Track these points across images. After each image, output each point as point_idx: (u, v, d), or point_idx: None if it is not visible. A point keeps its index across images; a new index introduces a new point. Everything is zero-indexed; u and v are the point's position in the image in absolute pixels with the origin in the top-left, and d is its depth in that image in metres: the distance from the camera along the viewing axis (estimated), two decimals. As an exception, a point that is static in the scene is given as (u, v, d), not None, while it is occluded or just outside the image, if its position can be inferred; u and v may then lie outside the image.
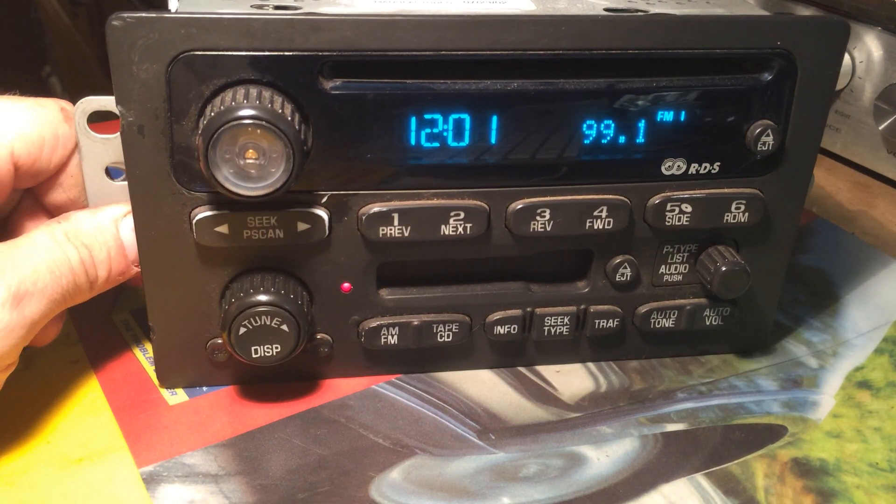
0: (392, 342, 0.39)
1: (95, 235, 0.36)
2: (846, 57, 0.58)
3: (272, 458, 0.36)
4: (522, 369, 0.42)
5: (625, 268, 0.39)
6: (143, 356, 0.41)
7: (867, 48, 0.57)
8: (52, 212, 0.39)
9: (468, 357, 0.41)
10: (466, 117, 0.35)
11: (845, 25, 0.36)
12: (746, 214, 0.38)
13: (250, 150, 0.31)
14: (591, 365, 0.43)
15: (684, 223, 0.38)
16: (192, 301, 0.37)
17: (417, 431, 0.38)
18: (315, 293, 0.38)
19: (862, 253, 0.53)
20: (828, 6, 0.59)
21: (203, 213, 0.35)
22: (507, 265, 0.40)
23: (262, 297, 0.35)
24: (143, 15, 0.31)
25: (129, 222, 0.36)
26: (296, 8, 0.34)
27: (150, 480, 0.35)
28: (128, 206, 0.36)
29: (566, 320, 0.40)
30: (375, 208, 0.36)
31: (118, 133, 0.34)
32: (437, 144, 0.35)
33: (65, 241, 0.35)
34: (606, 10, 0.36)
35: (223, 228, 0.35)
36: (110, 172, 0.37)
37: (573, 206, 0.37)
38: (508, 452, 0.37)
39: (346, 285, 0.38)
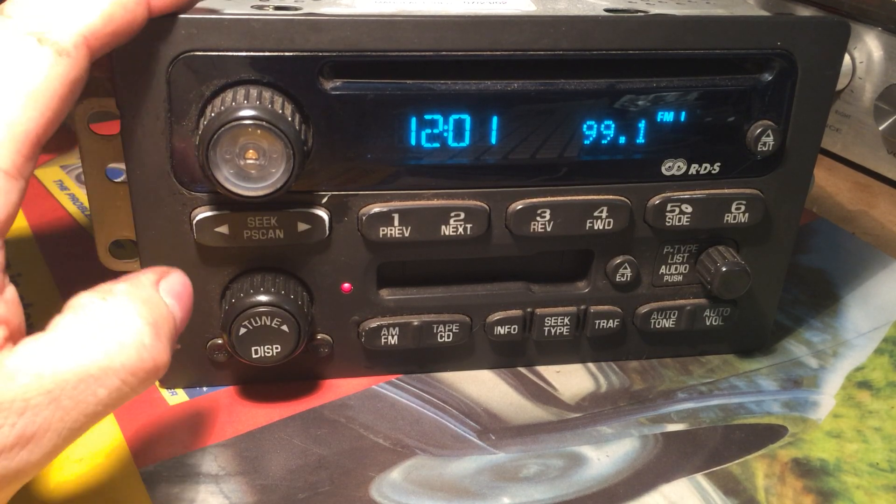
0: (392, 342, 0.39)
1: (153, 308, 0.26)
2: (846, 57, 0.58)
3: (272, 458, 0.36)
4: (522, 369, 0.42)
5: (625, 268, 0.39)
6: (144, 356, 0.41)
7: (867, 48, 0.57)
8: None
9: (468, 357, 0.41)
10: (466, 118, 0.35)
11: (845, 25, 0.36)
12: (746, 215, 0.38)
13: (250, 151, 0.31)
14: (591, 365, 0.43)
15: (684, 223, 0.38)
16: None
17: (417, 431, 0.38)
18: (315, 293, 0.38)
19: (862, 253, 0.53)
20: (828, 6, 0.59)
21: (203, 214, 0.35)
22: (508, 265, 0.40)
23: (262, 298, 0.35)
24: (144, 15, 0.31)
25: (167, 286, 0.28)
26: (296, 8, 0.34)
27: (150, 480, 0.35)
28: (161, 268, 0.29)
29: (566, 320, 0.40)
30: (375, 208, 0.36)
31: (118, 133, 0.34)
32: (437, 145, 0.35)
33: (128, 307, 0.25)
34: (606, 10, 0.36)
35: (223, 228, 0.35)
36: (110, 173, 0.37)
37: (573, 206, 0.37)
38: (508, 452, 0.37)
39: (347, 285, 0.38)
